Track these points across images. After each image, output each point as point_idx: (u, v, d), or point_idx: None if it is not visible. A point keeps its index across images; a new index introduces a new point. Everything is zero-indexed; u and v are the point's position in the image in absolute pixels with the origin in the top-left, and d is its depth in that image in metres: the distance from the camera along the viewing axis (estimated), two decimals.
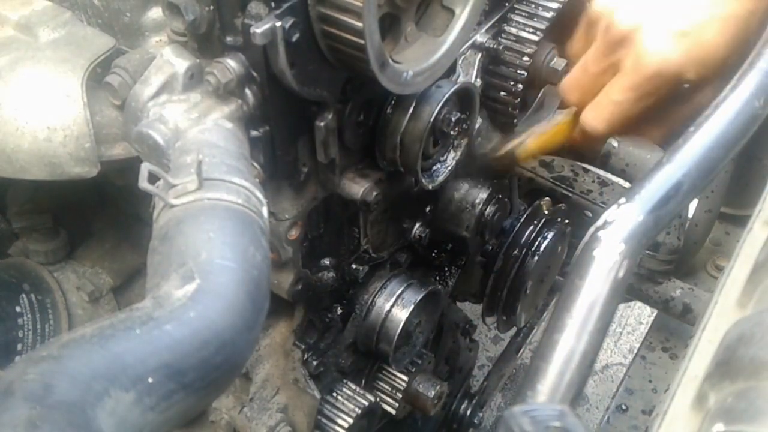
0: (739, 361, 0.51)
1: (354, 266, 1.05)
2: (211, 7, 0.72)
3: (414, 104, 0.90)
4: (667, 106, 0.96)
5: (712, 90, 0.93)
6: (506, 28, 1.09)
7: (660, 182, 0.65)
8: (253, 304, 0.62)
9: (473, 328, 1.45)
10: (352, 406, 1.09)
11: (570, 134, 1.06)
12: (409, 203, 1.09)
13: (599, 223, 0.62)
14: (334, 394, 1.10)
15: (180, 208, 0.64)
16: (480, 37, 1.07)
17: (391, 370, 1.20)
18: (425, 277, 1.21)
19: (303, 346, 1.04)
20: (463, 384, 1.50)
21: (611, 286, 0.58)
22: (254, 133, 0.79)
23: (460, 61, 1.05)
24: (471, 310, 1.45)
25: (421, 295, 1.11)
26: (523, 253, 1.23)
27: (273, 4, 0.70)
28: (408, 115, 0.90)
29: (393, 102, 0.90)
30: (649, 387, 1.66)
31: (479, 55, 1.07)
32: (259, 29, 0.69)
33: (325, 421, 1.08)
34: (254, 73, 0.75)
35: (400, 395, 1.20)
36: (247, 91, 0.76)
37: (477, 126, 1.01)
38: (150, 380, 0.53)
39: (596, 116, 0.95)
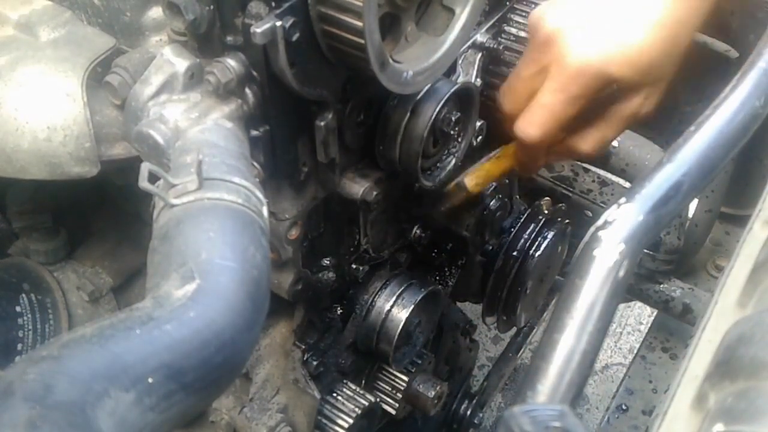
0: (739, 361, 0.51)
1: (354, 266, 1.05)
2: (212, 7, 0.72)
3: (414, 104, 0.90)
4: (600, 110, 0.95)
5: (646, 95, 0.93)
6: (506, 28, 1.09)
7: (660, 182, 0.65)
8: (253, 304, 0.62)
9: (473, 328, 1.44)
10: (352, 407, 1.09)
11: (513, 160, 1.05)
12: (410, 203, 1.09)
13: (599, 222, 0.62)
14: (334, 395, 1.10)
15: (180, 207, 0.64)
16: (480, 37, 1.07)
17: (391, 370, 1.20)
18: (425, 277, 1.21)
19: (303, 346, 1.04)
20: (463, 384, 1.50)
21: (611, 286, 0.58)
22: (254, 132, 0.79)
23: (460, 61, 1.05)
24: (471, 310, 1.45)
25: (421, 295, 1.11)
26: (523, 253, 1.23)
27: (273, 4, 0.70)
28: (408, 114, 0.90)
29: (393, 102, 0.90)
30: (649, 387, 1.66)
31: (479, 54, 1.07)
32: (259, 29, 0.69)
33: (325, 421, 1.08)
34: (254, 73, 0.75)
35: (400, 395, 1.19)
36: (248, 90, 0.76)
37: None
38: (150, 380, 0.53)
39: (529, 122, 0.94)
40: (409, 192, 1.06)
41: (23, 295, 1.05)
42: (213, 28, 0.74)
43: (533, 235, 1.23)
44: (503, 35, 1.09)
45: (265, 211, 0.70)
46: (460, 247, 1.22)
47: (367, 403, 1.10)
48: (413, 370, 1.20)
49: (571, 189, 1.60)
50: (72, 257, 1.12)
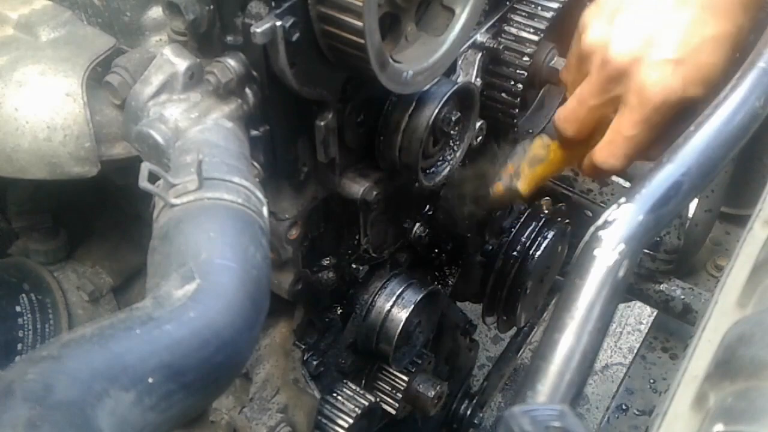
0: (739, 361, 0.51)
1: (354, 266, 1.05)
2: (211, 7, 0.72)
3: (414, 104, 0.90)
4: (674, 125, 0.96)
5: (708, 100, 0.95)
6: (506, 27, 1.09)
7: (660, 182, 0.65)
8: (253, 304, 0.62)
9: (473, 328, 1.44)
10: (352, 406, 1.09)
11: (567, 163, 1.07)
12: (410, 203, 1.09)
13: (599, 222, 0.62)
14: (334, 394, 1.10)
15: (180, 207, 0.64)
16: (480, 37, 1.07)
17: (391, 370, 1.20)
18: (425, 277, 1.21)
19: (303, 346, 1.04)
20: (463, 384, 1.50)
21: (611, 286, 0.58)
22: (254, 132, 0.79)
23: (460, 61, 1.05)
24: (471, 310, 1.45)
25: (421, 295, 1.11)
26: (523, 253, 1.23)
27: (273, 4, 0.70)
28: (408, 114, 0.90)
29: (393, 101, 0.90)
30: (649, 387, 1.66)
31: (479, 54, 1.07)
32: (259, 28, 0.69)
33: (325, 421, 1.08)
34: (254, 73, 0.75)
35: (400, 395, 1.19)
36: (247, 90, 0.76)
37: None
38: (150, 380, 0.53)
39: (612, 154, 0.95)
40: (409, 192, 1.06)
41: (23, 295, 1.05)
42: (213, 28, 0.74)
43: (533, 235, 1.24)
44: (503, 35, 1.09)
45: (265, 211, 0.69)
46: (460, 247, 1.22)
47: (367, 403, 1.10)
48: (413, 370, 1.20)
49: (571, 189, 1.60)
50: (72, 257, 1.12)
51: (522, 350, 1.73)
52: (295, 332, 1.03)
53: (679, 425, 0.53)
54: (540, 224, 1.23)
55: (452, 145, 1.00)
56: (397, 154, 0.92)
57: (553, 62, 1.11)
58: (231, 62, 0.74)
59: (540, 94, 1.24)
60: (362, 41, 0.71)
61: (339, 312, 1.09)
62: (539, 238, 1.23)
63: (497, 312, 1.31)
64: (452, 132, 0.95)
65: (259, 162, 0.80)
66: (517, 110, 1.12)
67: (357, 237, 1.04)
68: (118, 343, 0.53)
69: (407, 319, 1.09)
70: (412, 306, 1.10)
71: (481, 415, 1.52)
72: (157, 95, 0.75)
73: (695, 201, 1.55)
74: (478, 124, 1.04)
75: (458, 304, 1.38)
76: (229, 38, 0.74)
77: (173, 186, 0.65)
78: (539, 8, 1.09)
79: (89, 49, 0.82)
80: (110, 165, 0.83)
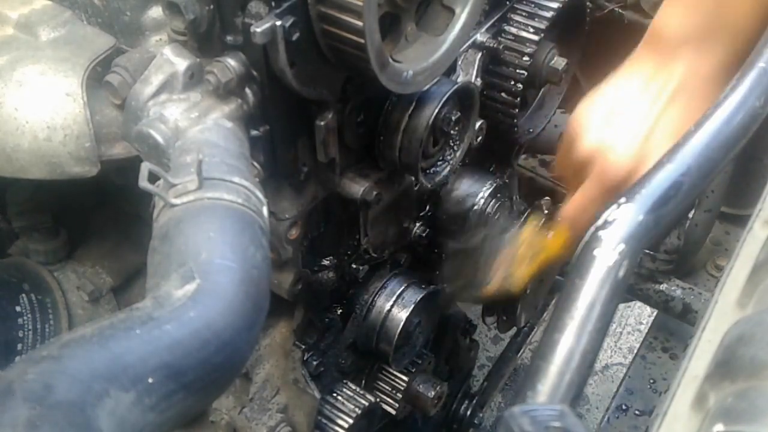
0: (739, 361, 0.51)
1: (354, 266, 1.05)
2: (211, 6, 0.72)
3: (414, 104, 0.90)
4: None
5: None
6: (506, 27, 1.09)
7: (660, 182, 0.65)
8: (253, 304, 0.62)
9: (473, 328, 1.44)
10: (352, 407, 1.09)
11: (559, 254, 1.07)
12: (410, 203, 1.09)
13: (599, 222, 0.62)
14: (334, 395, 1.10)
15: (180, 207, 0.64)
16: (480, 37, 1.07)
17: (391, 370, 1.20)
18: (425, 277, 1.21)
19: (303, 346, 1.04)
20: (463, 384, 1.50)
21: (611, 286, 0.58)
22: (254, 132, 0.78)
23: (460, 61, 1.05)
24: (471, 310, 1.45)
25: (421, 295, 1.11)
26: None
27: (273, 4, 0.70)
28: (408, 114, 0.90)
29: (393, 101, 0.90)
30: (649, 387, 1.66)
31: (479, 54, 1.07)
32: (259, 28, 0.69)
33: (325, 421, 1.08)
34: (254, 73, 0.75)
35: (400, 395, 1.19)
36: (248, 90, 0.76)
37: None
38: (150, 380, 0.53)
39: None
40: (409, 192, 1.06)
41: (23, 295, 1.05)
42: (213, 28, 0.74)
43: None
44: (503, 35, 1.09)
45: (265, 210, 0.69)
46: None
47: (367, 403, 1.10)
48: (413, 370, 1.20)
49: None
50: (72, 257, 1.12)
51: (522, 350, 1.73)
52: (295, 332, 1.03)
53: (679, 425, 0.53)
54: (540, 224, 1.23)
55: (452, 145, 1.00)
56: (397, 154, 0.92)
57: (553, 62, 1.11)
58: (231, 62, 0.74)
59: (540, 94, 1.24)
60: (362, 41, 0.71)
61: (339, 312, 1.09)
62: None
63: (497, 312, 1.31)
64: (452, 132, 0.95)
65: (259, 162, 0.80)
66: (517, 110, 1.13)
67: (357, 237, 1.04)
68: (118, 343, 0.53)
69: (407, 319, 1.09)
70: (412, 306, 1.10)
71: (481, 415, 1.52)
72: (157, 95, 0.75)
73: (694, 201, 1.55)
74: (478, 124, 1.04)
75: (458, 304, 1.38)
76: (229, 38, 0.74)
77: (173, 186, 0.65)
78: (539, 8, 1.09)
79: (89, 49, 0.82)
80: (110, 165, 0.83)
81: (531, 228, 1.11)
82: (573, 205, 0.98)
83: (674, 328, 1.74)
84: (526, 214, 1.20)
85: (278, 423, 1.04)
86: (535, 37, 1.08)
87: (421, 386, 1.20)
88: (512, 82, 1.10)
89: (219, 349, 0.58)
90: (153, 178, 0.65)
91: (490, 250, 1.12)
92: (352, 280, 1.07)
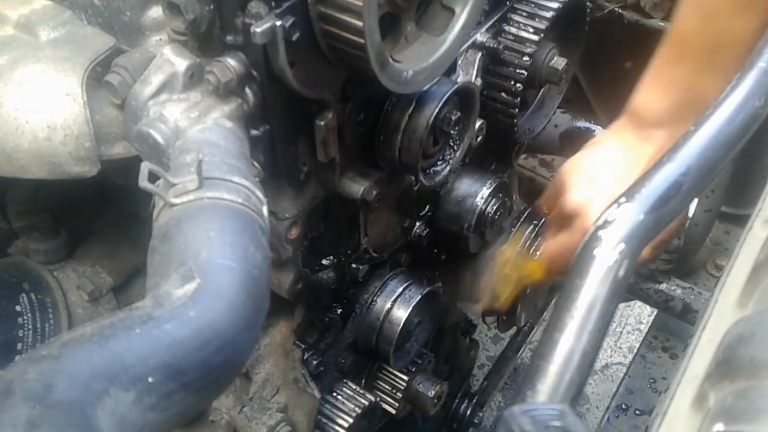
0: (739, 360, 0.51)
1: (354, 266, 1.05)
2: (211, 6, 0.72)
3: (414, 103, 0.90)
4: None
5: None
6: (506, 27, 1.09)
7: (660, 181, 0.65)
8: (253, 304, 0.62)
9: (473, 328, 1.45)
10: (352, 406, 1.09)
11: (538, 281, 1.15)
12: (410, 202, 1.09)
13: (599, 222, 0.62)
14: (334, 394, 1.10)
15: (180, 207, 0.64)
16: (480, 37, 1.07)
17: (391, 370, 1.20)
18: (425, 277, 1.21)
19: (303, 346, 1.04)
20: (463, 384, 1.50)
21: (611, 286, 0.58)
22: (254, 132, 0.78)
23: (460, 61, 1.05)
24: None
25: (421, 295, 1.11)
26: None
27: (273, 4, 0.70)
28: (408, 114, 0.90)
29: (393, 101, 0.90)
30: (649, 387, 1.66)
31: (479, 54, 1.07)
32: (259, 28, 0.69)
33: (325, 420, 1.08)
34: (254, 72, 0.75)
35: (400, 395, 1.19)
36: (248, 90, 0.76)
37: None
38: (150, 380, 0.53)
39: None
40: (409, 192, 1.06)
41: (23, 294, 1.05)
42: (213, 28, 0.74)
43: (533, 235, 1.23)
44: (503, 35, 1.09)
45: (265, 210, 0.69)
46: (460, 247, 1.22)
47: (367, 403, 1.10)
48: (413, 370, 1.20)
49: None
50: (72, 257, 1.12)
51: (522, 350, 1.73)
52: (295, 332, 1.03)
53: (679, 425, 0.53)
54: (540, 224, 1.23)
55: (452, 144, 1.00)
56: (397, 154, 0.92)
57: (553, 62, 1.11)
58: (231, 62, 0.74)
59: (540, 94, 1.24)
60: (362, 41, 0.71)
61: (339, 312, 1.09)
62: (539, 238, 1.23)
63: (497, 312, 1.31)
64: (452, 132, 0.95)
65: (259, 162, 0.80)
66: (517, 110, 1.12)
67: (357, 237, 1.04)
68: (118, 343, 0.53)
69: (407, 318, 1.09)
70: (412, 305, 1.10)
71: (481, 414, 1.53)
72: (157, 95, 0.75)
73: (695, 201, 1.55)
74: (478, 124, 1.04)
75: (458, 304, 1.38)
76: (229, 38, 0.74)
77: (173, 185, 0.65)
78: (539, 8, 1.09)
79: (89, 48, 0.82)
80: (110, 165, 0.83)
81: (515, 248, 1.17)
82: (554, 246, 1.09)
83: (674, 328, 1.74)
84: (513, 232, 1.22)
85: (278, 422, 1.04)
86: (535, 37, 1.08)
87: (421, 386, 1.20)
88: (512, 82, 1.10)
89: (219, 349, 0.58)
90: (153, 177, 0.65)
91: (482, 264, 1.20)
92: (352, 279, 1.07)
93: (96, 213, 1.14)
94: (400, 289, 1.11)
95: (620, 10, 1.50)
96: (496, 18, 1.08)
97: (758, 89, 0.72)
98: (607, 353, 2.23)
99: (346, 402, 1.09)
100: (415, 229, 1.12)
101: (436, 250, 1.23)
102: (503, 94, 1.11)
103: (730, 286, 0.62)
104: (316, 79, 0.77)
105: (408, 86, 0.82)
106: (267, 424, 1.03)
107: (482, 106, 1.05)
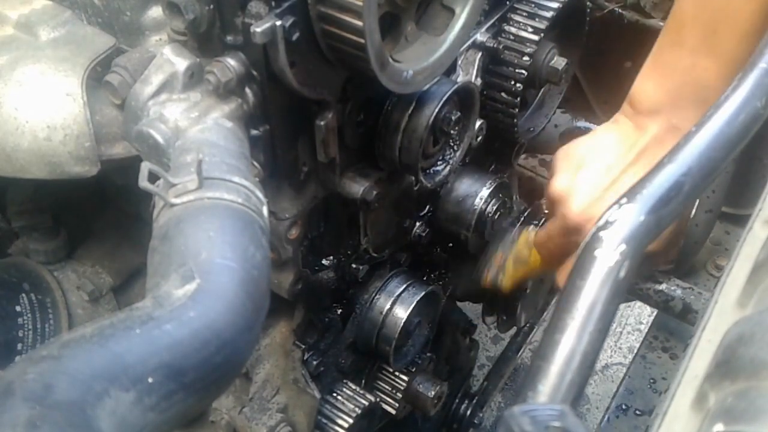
0: (739, 361, 0.51)
1: (354, 266, 1.05)
2: (211, 6, 0.72)
3: (414, 103, 0.90)
4: None
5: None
6: (506, 27, 1.09)
7: (661, 182, 0.65)
8: (253, 304, 0.62)
9: (473, 328, 1.44)
10: (352, 406, 1.09)
11: (546, 269, 1.14)
12: (410, 203, 1.09)
13: (600, 222, 0.62)
14: (334, 394, 1.10)
15: (180, 207, 0.64)
16: (480, 37, 1.07)
17: (391, 370, 1.20)
18: (425, 277, 1.21)
19: (303, 346, 1.04)
20: (463, 384, 1.50)
21: (612, 287, 0.58)
22: (254, 132, 0.78)
23: (460, 61, 1.05)
24: (471, 310, 1.45)
25: (421, 295, 1.11)
26: None
27: (273, 3, 0.70)
28: (408, 114, 0.90)
29: (393, 101, 0.90)
30: (649, 387, 1.66)
31: (479, 54, 1.07)
32: (259, 28, 0.68)
33: (325, 421, 1.08)
34: (254, 72, 0.75)
35: (400, 395, 1.19)
36: (247, 90, 0.76)
37: None
38: (150, 380, 0.53)
39: None
40: (409, 192, 1.06)
41: (23, 294, 1.05)
42: (213, 28, 0.74)
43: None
44: (503, 35, 1.09)
45: (265, 210, 0.69)
46: (460, 247, 1.22)
47: (367, 403, 1.10)
48: (413, 370, 1.20)
49: None
50: (72, 257, 1.12)
51: (522, 350, 1.73)
52: (295, 332, 1.03)
53: (679, 425, 0.53)
54: (539, 224, 1.23)
55: (452, 144, 1.00)
56: (397, 154, 0.92)
57: (553, 62, 1.11)
58: (231, 62, 0.74)
59: (540, 94, 1.24)
60: (362, 41, 0.71)
61: (339, 312, 1.09)
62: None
63: (497, 312, 1.31)
64: (452, 132, 0.95)
65: (259, 162, 0.80)
66: (517, 110, 1.12)
67: (357, 237, 1.04)
68: (118, 343, 0.53)
69: (407, 318, 1.09)
70: (412, 305, 1.10)
71: (481, 415, 1.52)
72: (157, 95, 0.75)
73: (695, 201, 1.55)
74: (478, 124, 1.04)
75: (458, 304, 1.38)
76: (229, 38, 0.74)
77: (173, 185, 0.65)
78: (539, 8, 1.09)
79: (89, 48, 0.82)
80: (110, 165, 0.83)
81: (525, 233, 1.16)
82: (542, 233, 1.09)
83: (674, 328, 1.74)
84: (525, 215, 1.21)
85: (278, 423, 1.04)
86: (535, 37, 1.08)
87: (421, 386, 1.20)
88: (512, 82, 1.10)
89: (219, 349, 0.57)
90: (153, 177, 0.65)
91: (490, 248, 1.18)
92: (352, 279, 1.07)
93: (96, 213, 1.14)
94: (400, 290, 1.11)
95: (620, 10, 1.50)
96: (496, 18, 1.08)
97: (759, 90, 0.72)
98: (607, 353, 2.23)
99: (346, 402, 1.09)
100: (415, 229, 1.12)
101: (435, 251, 1.23)
102: (503, 94, 1.11)
103: (730, 286, 0.62)
104: (316, 79, 0.77)
105: (408, 86, 0.82)
106: (267, 424, 1.03)
107: (482, 106, 1.05)
